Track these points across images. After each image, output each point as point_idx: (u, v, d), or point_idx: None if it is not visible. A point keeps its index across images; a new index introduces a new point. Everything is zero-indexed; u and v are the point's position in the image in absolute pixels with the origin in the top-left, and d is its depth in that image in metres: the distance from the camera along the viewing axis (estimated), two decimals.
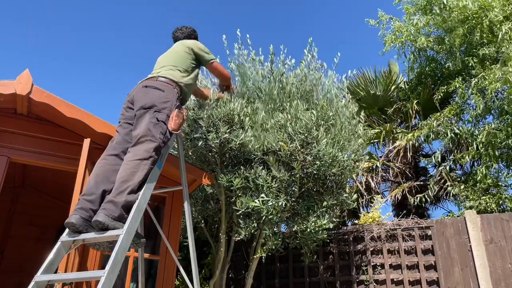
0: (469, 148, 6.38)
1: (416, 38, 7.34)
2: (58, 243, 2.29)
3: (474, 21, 6.40)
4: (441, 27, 6.94)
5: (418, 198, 6.83)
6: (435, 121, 6.76)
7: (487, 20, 6.12)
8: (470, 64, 6.63)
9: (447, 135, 6.43)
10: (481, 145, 5.97)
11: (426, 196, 6.81)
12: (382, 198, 7.44)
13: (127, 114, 2.86)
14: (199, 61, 3.31)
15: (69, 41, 17.89)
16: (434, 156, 6.74)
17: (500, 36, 5.92)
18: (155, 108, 2.72)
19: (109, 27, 18.37)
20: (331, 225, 4.02)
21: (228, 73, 3.74)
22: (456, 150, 7.23)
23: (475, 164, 7.60)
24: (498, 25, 6.08)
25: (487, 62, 6.43)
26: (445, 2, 6.66)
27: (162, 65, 3.10)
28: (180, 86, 2.99)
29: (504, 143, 6.00)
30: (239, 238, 4.56)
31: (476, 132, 6.34)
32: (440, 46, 7.03)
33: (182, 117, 2.87)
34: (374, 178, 7.80)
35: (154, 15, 18.06)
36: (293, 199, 4.02)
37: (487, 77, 5.89)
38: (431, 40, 7.18)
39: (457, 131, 6.41)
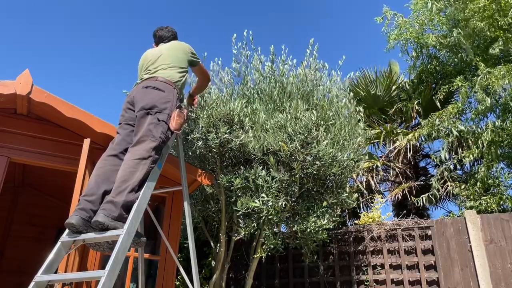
0: (472, 146, 6.31)
1: (420, 35, 7.30)
2: (58, 243, 2.29)
3: (486, 13, 6.33)
4: (452, 19, 6.83)
5: (423, 199, 6.73)
6: (437, 119, 6.68)
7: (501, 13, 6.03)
8: (474, 63, 6.59)
9: (452, 132, 6.34)
10: (486, 142, 5.91)
11: (430, 196, 6.73)
12: (382, 198, 7.44)
13: (127, 115, 2.87)
14: (190, 64, 3.33)
15: (69, 40, 17.90)
16: (440, 155, 6.60)
17: None
18: (156, 109, 2.73)
19: (110, 26, 18.38)
20: (331, 225, 4.02)
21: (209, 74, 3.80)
22: (458, 149, 7.21)
23: (476, 164, 7.59)
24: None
25: (490, 62, 6.40)
26: None
27: (160, 63, 3.05)
28: (179, 86, 3.00)
29: (506, 141, 5.96)
30: (239, 238, 4.56)
31: (479, 130, 6.29)
32: (447, 40, 6.92)
33: (183, 117, 2.88)
34: (374, 178, 7.81)
35: (154, 14, 18.06)
36: (293, 199, 4.02)
37: (492, 73, 5.82)
38: (435, 38, 7.14)
39: (461, 128, 6.33)
